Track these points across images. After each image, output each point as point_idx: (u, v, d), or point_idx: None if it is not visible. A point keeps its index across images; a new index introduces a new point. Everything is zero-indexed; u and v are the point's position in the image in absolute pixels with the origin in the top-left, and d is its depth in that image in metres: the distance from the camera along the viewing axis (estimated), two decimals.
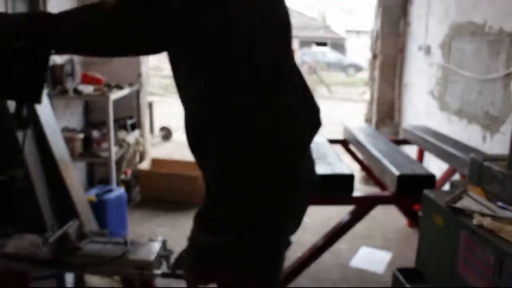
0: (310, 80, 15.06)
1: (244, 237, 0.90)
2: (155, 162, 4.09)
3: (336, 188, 2.01)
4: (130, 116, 3.88)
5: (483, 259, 1.24)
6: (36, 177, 2.29)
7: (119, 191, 2.91)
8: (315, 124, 1.00)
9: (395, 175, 2.02)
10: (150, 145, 4.55)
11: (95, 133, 3.41)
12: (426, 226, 1.56)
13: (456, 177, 2.87)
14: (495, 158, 1.63)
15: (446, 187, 2.66)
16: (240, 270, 0.94)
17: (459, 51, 3.13)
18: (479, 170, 1.63)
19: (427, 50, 3.62)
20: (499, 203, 1.43)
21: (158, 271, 1.45)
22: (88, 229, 2.42)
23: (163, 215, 3.38)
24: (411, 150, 3.49)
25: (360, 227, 3.19)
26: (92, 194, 2.78)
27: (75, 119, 3.66)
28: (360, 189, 4.10)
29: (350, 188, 2.03)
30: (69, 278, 2.12)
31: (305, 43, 27.12)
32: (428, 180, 2.02)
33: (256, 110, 0.86)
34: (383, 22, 4.11)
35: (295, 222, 1.05)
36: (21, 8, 2.90)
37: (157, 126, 6.12)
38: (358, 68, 23.49)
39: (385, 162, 2.22)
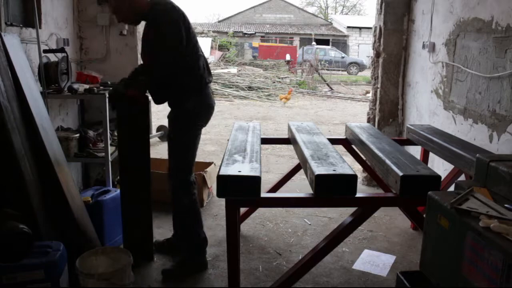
0: (311, 78, 15.04)
1: None
2: (152, 162, 4.01)
3: (338, 189, 1.95)
4: None
5: (490, 263, 1.19)
6: (30, 178, 2.24)
7: (116, 192, 2.85)
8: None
9: (399, 176, 1.97)
10: None
11: (91, 133, 3.36)
12: (431, 228, 1.51)
13: (462, 178, 2.81)
14: (502, 159, 1.58)
15: (452, 188, 2.60)
16: None
17: (464, 48, 3.07)
18: (485, 171, 1.58)
19: (432, 48, 3.56)
20: (506, 205, 1.38)
21: None
22: (83, 230, 2.39)
23: (161, 216, 3.31)
24: (415, 150, 3.44)
25: (363, 229, 3.16)
26: (88, 195, 2.74)
27: (70, 119, 3.62)
28: (362, 190, 4.05)
29: (353, 189, 1.97)
30: (64, 281, 2.07)
31: (306, 41, 27.07)
32: (433, 181, 1.96)
33: None
34: (386, 19, 4.06)
35: None
36: (14, 5, 2.86)
37: (154, 125, 6.08)
38: (360, 67, 23.50)
39: (389, 162, 2.16)
